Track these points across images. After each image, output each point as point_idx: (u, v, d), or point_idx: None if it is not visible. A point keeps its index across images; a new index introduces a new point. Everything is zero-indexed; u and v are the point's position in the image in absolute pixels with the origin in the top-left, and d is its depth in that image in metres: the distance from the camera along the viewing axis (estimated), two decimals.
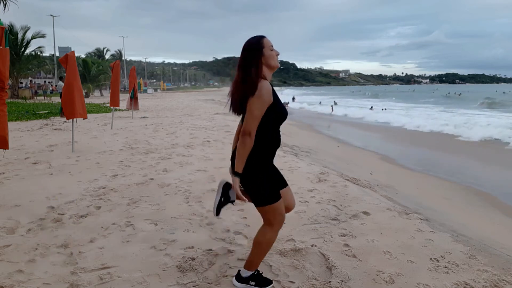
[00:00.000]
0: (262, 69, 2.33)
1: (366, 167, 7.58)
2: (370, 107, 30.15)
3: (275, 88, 2.51)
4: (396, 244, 3.28)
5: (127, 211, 4.15)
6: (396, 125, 18.88)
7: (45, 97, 30.25)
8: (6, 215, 3.90)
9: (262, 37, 2.40)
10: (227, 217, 3.96)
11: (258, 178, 2.39)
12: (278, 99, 2.38)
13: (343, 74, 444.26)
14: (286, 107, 31.88)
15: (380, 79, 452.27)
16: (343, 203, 4.42)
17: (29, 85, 33.19)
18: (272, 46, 2.40)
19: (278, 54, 2.42)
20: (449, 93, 74.88)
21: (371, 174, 6.82)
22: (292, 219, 3.91)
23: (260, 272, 2.66)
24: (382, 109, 28.25)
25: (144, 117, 15.91)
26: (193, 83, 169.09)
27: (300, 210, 4.17)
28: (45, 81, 41.74)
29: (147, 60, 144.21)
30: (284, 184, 2.68)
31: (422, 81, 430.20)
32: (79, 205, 4.35)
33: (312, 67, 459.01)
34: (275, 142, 2.46)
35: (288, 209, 2.71)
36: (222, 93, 63.62)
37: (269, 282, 2.65)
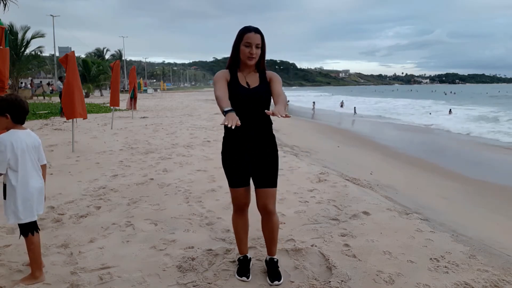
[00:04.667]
0: (229, 59, 2.62)
1: (366, 167, 7.58)
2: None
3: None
4: (396, 244, 3.28)
5: (127, 211, 4.15)
6: None
7: (44, 97, 30.21)
8: None
9: (244, 30, 2.52)
10: (227, 217, 3.96)
11: (222, 158, 2.69)
12: (235, 84, 2.55)
13: (343, 74, 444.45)
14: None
15: (380, 79, 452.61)
16: (343, 203, 4.42)
17: (29, 85, 33.07)
18: (250, 44, 2.49)
19: (252, 54, 2.50)
20: (445, 93, 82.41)
21: (371, 174, 6.82)
22: (292, 219, 3.91)
23: (241, 258, 2.82)
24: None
25: (144, 117, 15.91)
26: (193, 83, 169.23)
27: (300, 210, 4.17)
28: (41, 81, 40.90)
29: (147, 60, 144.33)
30: (240, 184, 2.64)
31: (422, 81, 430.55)
32: (79, 205, 4.35)
33: (312, 67, 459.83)
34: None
35: (243, 203, 2.74)
36: None
37: (243, 273, 2.71)
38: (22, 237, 2.66)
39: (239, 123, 2.09)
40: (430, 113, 27.36)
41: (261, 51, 2.57)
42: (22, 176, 2.55)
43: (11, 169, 2.53)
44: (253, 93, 2.55)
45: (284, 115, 2.12)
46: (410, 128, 18.14)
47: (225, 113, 2.23)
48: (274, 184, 2.66)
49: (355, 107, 29.14)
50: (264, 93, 2.57)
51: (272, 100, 2.61)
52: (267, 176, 2.63)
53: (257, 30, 2.52)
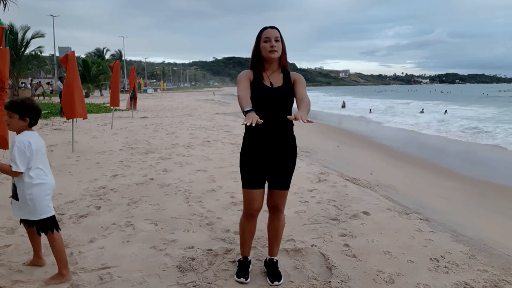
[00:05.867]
0: (252, 59, 2.63)
1: (366, 167, 7.58)
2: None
3: None
4: (396, 244, 3.28)
5: (127, 211, 4.15)
6: None
7: (44, 97, 30.17)
8: (6, 215, 3.90)
9: (262, 29, 2.60)
10: (227, 217, 3.97)
11: (240, 158, 2.64)
12: (258, 84, 2.55)
13: (343, 74, 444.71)
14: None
15: (380, 79, 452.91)
16: (343, 203, 4.42)
17: (29, 85, 32.97)
18: (267, 37, 2.54)
19: (273, 46, 2.52)
20: (442, 91, 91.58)
21: (371, 174, 6.82)
22: (292, 219, 3.91)
23: (241, 259, 2.80)
24: None
25: (144, 117, 15.91)
26: (193, 83, 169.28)
27: (300, 210, 4.17)
28: (40, 81, 40.56)
29: (147, 60, 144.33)
30: (255, 185, 2.60)
31: (422, 81, 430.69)
32: (79, 205, 4.35)
33: (312, 67, 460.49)
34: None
35: (255, 209, 2.67)
36: (222, 92, 63.59)
37: (241, 274, 2.70)
38: (23, 238, 2.67)
39: (260, 120, 2.10)
40: (422, 110, 27.86)
41: (284, 49, 2.60)
42: (42, 173, 2.63)
43: (28, 168, 2.58)
44: (276, 92, 2.54)
45: (305, 121, 2.11)
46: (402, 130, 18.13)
47: (245, 113, 2.24)
48: (288, 186, 2.69)
49: (370, 109, 29.02)
50: (287, 93, 2.55)
51: (295, 103, 2.59)
52: (283, 179, 2.65)
53: (273, 27, 2.59)
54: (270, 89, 2.54)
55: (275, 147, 2.57)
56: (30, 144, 2.56)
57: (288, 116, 2.18)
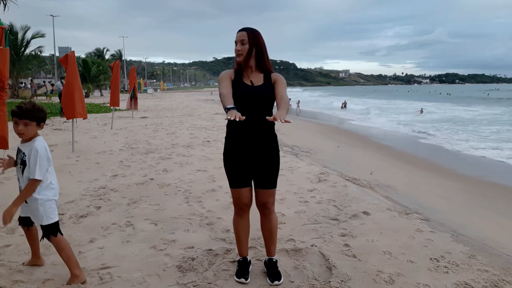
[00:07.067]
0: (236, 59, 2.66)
1: (366, 167, 7.58)
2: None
3: None
4: (396, 244, 3.28)
5: (127, 211, 4.15)
6: None
7: (46, 97, 30.20)
8: None
9: (238, 31, 2.61)
10: (227, 217, 3.96)
11: (223, 158, 2.69)
12: (239, 83, 2.59)
13: (343, 74, 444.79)
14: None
15: (380, 79, 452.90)
16: (343, 203, 4.42)
17: (29, 85, 32.99)
18: (236, 42, 2.58)
19: (237, 50, 2.58)
20: (440, 93, 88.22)
21: (371, 174, 6.82)
22: (292, 219, 3.91)
23: (241, 260, 2.80)
24: None
25: (144, 117, 15.91)
26: (193, 83, 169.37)
27: (300, 210, 4.17)
28: (44, 81, 40.54)
29: (147, 60, 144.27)
30: (242, 184, 2.65)
31: (422, 81, 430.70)
32: (79, 205, 4.35)
33: (312, 67, 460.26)
34: (233, 123, 2.44)
35: (245, 205, 2.72)
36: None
37: (241, 274, 2.70)
38: (23, 238, 2.66)
39: (242, 117, 2.13)
40: (421, 110, 28.37)
41: (257, 50, 2.58)
42: (52, 178, 2.64)
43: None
44: (256, 91, 2.56)
45: (283, 121, 2.14)
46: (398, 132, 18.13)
47: (227, 110, 2.26)
48: (274, 185, 2.69)
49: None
50: (267, 92, 2.57)
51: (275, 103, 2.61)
52: (268, 177, 2.65)
53: (244, 29, 2.60)
54: (250, 87, 2.58)
55: (256, 146, 2.59)
56: (47, 151, 2.57)
57: (267, 117, 2.21)
